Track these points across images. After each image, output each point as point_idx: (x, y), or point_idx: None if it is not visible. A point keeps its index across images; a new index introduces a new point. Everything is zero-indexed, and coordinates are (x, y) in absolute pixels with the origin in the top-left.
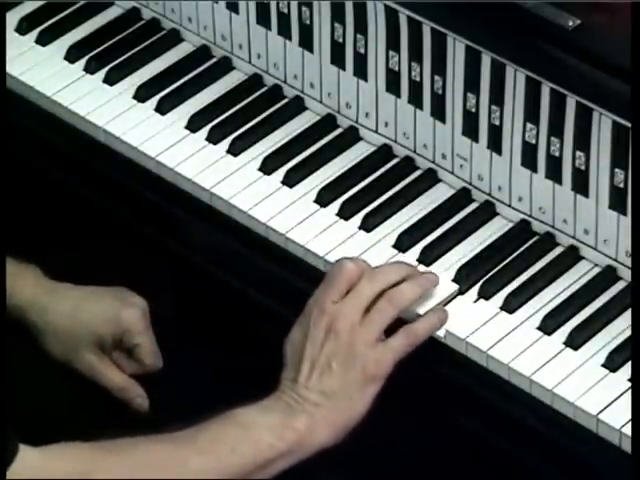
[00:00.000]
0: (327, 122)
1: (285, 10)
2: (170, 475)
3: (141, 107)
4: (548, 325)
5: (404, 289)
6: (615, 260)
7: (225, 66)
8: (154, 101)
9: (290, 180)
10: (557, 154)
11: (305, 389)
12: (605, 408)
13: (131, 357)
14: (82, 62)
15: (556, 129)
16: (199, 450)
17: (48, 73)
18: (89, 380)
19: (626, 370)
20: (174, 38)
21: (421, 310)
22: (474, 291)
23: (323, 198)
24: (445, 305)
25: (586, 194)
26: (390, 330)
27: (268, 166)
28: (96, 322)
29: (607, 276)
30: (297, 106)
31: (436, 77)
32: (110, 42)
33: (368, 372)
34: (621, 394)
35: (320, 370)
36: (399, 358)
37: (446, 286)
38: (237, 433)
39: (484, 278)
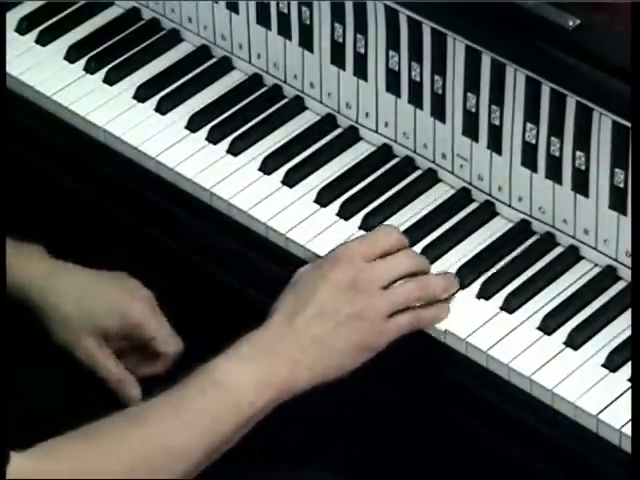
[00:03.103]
0: (327, 122)
1: (285, 10)
2: (153, 456)
3: (141, 107)
4: (548, 325)
5: (433, 281)
6: (615, 260)
7: (225, 66)
8: (154, 101)
9: (290, 180)
10: (557, 154)
11: (299, 329)
12: (605, 408)
13: (148, 353)
14: (82, 62)
15: (556, 129)
16: (181, 427)
17: (48, 73)
18: (87, 373)
19: (626, 370)
20: (174, 38)
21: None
22: (474, 291)
23: (323, 198)
24: (446, 300)
25: (586, 194)
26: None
27: (268, 166)
28: (101, 313)
29: (607, 276)
30: (297, 106)
31: (436, 77)
32: (110, 42)
33: (368, 340)
34: (621, 394)
35: (324, 317)
36: (399, 336)
37: None
38: (217, 398)
39: (484, 278)
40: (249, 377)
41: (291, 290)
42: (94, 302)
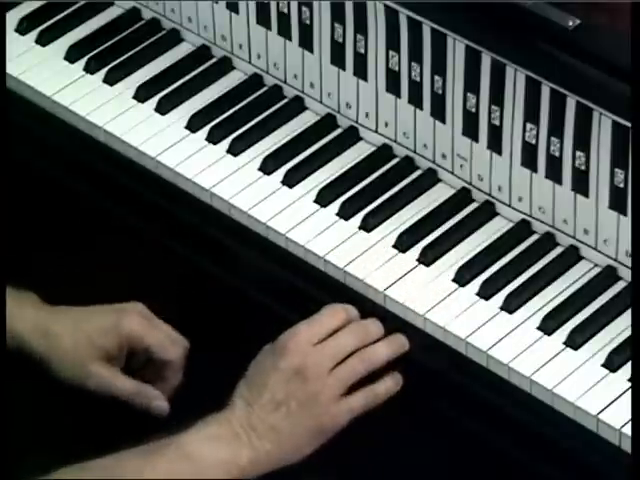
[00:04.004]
0: (327, 122)
1: (285, 10)
2: None
3: (141, 107)
4: (548, 325)
5: (378, 350)
6: (615, 260)
7: (225, 66)
8: (154, 101)
9: (290, 180)
10: (557, 154)
11: (257, 418)
12: (605, 408)
13: (157, 365)
14: (82, 62)
15: (556, 129)
16: None
17: (48, 73)
18: (103, 401)
19: (626, 370)
20: (174, 38)
21: (421, 310)
22: (474, 291)
23: (323, 198)
24: (442, 301)
25: (586, 194)
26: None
27: (268, 166)
28: (97, 335)
29: (607, 276)
30: (297, 106)
31: (436, 77)
32: (110, 42)
33: (322, 424)
34: (621, 394)
35: (277, 404)
36: (354, 416)
37: (445, 283)
38: (183, 467)
39: (484, 278)
40: (214, 456)
41: (248, 376)
42: (88, 328)
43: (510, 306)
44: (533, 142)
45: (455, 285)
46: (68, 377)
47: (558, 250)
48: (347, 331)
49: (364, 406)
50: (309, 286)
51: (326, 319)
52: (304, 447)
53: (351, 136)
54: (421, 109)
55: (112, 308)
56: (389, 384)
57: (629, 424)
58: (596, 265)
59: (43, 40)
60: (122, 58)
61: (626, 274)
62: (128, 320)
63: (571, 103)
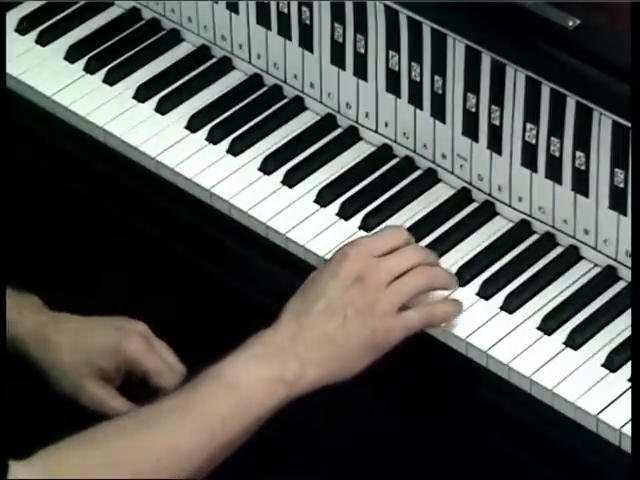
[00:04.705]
0: (327, 122)
1: (285, 10)
2: (162, 457)
3: (141, 107)
4: (548, 325)
5: (440, 271)
6: (615, 260)
7: (225, 66)
8: (154, 101)
9: (290, 180)
10: (557, 154)
11: (308, 327)
12: (605, 408)
13: (150, 388)
14: (82, 62)
15: (556, 129)
16: (191, 428)
17: (48, 73)
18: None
19: (626, 370)
20: (174, 38)
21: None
22: (474, 291)
23: (323, 198)
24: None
25: (586, 194)
26: None
27: (268, 166)
28: (96, 354)
29: (607, 276)
30: (297, 106)
31: (436, 77)
32: (110, 42)
33: (376, 337)
34: (621, 394)
35: (333, 312)
36: (409, 334)
37: None
38: (227, 398)
39: (484, 278)
40: (258, 377)
41: (302, 289)
42: (88, 344)
43: (510, 306)
44: (533, 142)
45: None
46: (62, 390)
47: (558, 250)
48: (410, 249)
49: (420, 324)
50: None
51: (388, 236)
52: (355, 361)
53: (351, 136)
54: (421, 109)
55: (114, 325)
56: (449, 307)
57: (629, 424)
58: (596, 265)
59: (43, 40)
60: (122, 58)
61: (626, 274)
62: (128, 342)
63: (571, 103)
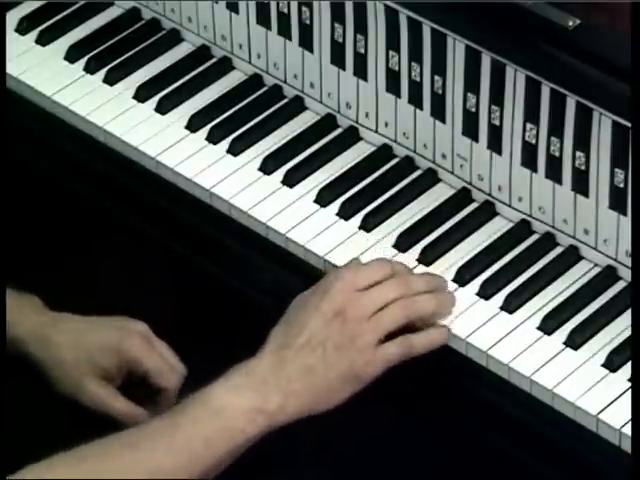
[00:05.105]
0: (327, 122)
1: (285, 10)
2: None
3: (141, 107)
4: (548, 325)
5: (421, 301)
6: (615, 260)
7: (225, 66)
8: (154, 101)
9: (290, 180)
10: (557, 154)
11: (290, 360)
12: (605, 408)
13: (150, 387)
14: (82, 62)
15: (556, 129)
16: (173, 450)
17: (48, 73)
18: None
19: (626, 370)
20: (174, 38)
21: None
22: (474, 291)
23: (323, 198)
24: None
25: (586, 194)
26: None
27: (268, 166)
28: (97, 353)
29: (607, 276)
30: (297, 106)
31: (436, 77)
32: (110, 42)
33: (355, 370)
34: (621, 394)
35: (314, 345)
36: (390, 365)
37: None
38: (211, 423)
39: (484, 278)
40: (241, 405)
41: (285, 319)
42: (89, 344)
43: (510, 306)
44: (533, 142)
45: (455, 285)
46: (63, 389)
47: (558, 250)
48: (392, 281)
49: (401, 355)
50: (309, 286)
51: (372, 269)
52: (336, 392)
53: (351, 136)
54: (421, 109)
55: (115, 325)
56: (432, 335)
57: (629, 424)
58: (596, 265)
59: (43, 40)
60: (122, 58)
61: (626, 274)
62: (129, 342)
63: (571, 103)
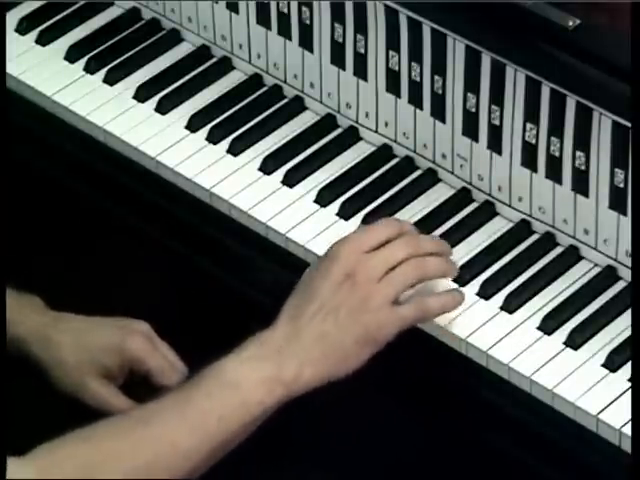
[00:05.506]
0: (327, 122)
1: (285, 10)
2: (159, 456)
3: (141, 107)
4: (548, 325)
5: (432, 261)
6: (615, 260)
7: (225, 66)
8: (154, 101)
9: (290, 180)
10: (557, 154)
11: (304, 328)
12: (605, 408)
13: (152, 387)
14: (82, 62)
15: (556, 129)
16: (188, 426)
17: (48, 73)
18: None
19: (626, 370)
20: (174, 38)
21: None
22: (474, 291)
23: (323, 198)
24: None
25: (586, 194)
26: None
27: (268, 166)
28: (100, 352)
29: (607, 276)
30: (297, 106)
31: (436, 77)
32: (110, 42)
33: (370, 332)
34: (621, 394)
35: (326, 312)
36: (404, 328)
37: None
38: (225, 397)
39: (484, 278)
40: (256, 376)
41: (296, 290)
42: (91, 343)
43: (510, 306)
44: (533, 142)
45: (455, 285)
46: (65, 388)
47: (558, 250)
48: (400, 241)
49: (414, 318)
50: None
51: (379, 229)
52: (352, 357)
53: (351, 136)
54: (421, 109)
55: (117, 324)
56: (444, 299)
57: (629, 424)
58: (596, 265)
59: (43, 40)
60: (122, 58)
61: (626, 274)
62: (131, 341)
63: (571, 103)
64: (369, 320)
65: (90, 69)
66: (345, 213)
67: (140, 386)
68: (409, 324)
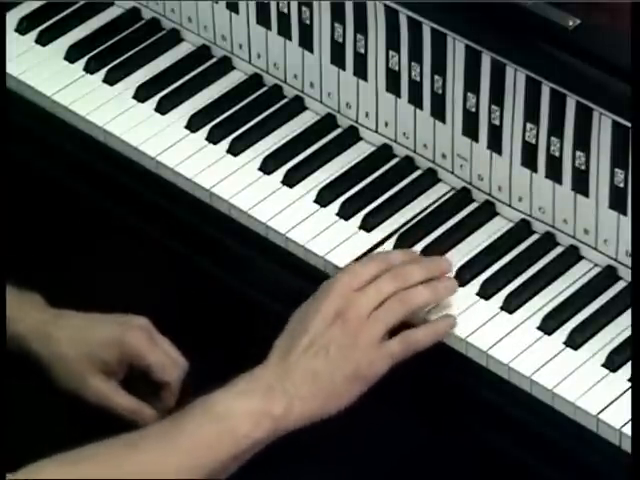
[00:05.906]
0: (327, 122)
1: (285, 10)
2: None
3: (141, 107)
4: (548, 325)
5: (418, 292)
6: (615, 260)
7: (225, 66)
8: (154, 101)
9: (290, 180)
10: (557, 154)
11: (294, 365)
12: (605, 408)
13: (153, 382)
14: (82, 62)
15: (556, 129)
16: (176, 453)
17: (48, 73)
18: (98, 410)
19: (626, 370)
20: (174, 38)
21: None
22: (474, 291)
23: (323, 198)
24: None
25: (586, 194)
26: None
27: (268, 166)
28: (99, 347)
29: (607, 276)
30: (297, 106)
31: (436, 77)
32: (110, 42)
33: (360, 369)
34: (621, 394)
35: (316, 349)
36: (395, 363)
37: None
38: (214, 427)
39: (484, 278)
40: (245, 409)
41: (288, 327)
42: (91, 339)
43: (510, 306)
44: (533, 142)
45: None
46: (65, 386)
47: (558, 250)
48: (387, 276)
49: (404, 351)
50: (309, 286)
51: (366, 267)
52: (343, 394)
53: (351, 136)
54: (421, 109)
55: (116, 320)
56: (436, 327)
57: (629, 424)
58: (596, 265)
59: (43, 40)
60: (122, 58)
61: (626, 274)
62: (131, 336)
63: (571, 103)
64: (359, 357)
65: (90, 69)
66: (345, 213)
67: (140, 382)
68: (399, 358)
